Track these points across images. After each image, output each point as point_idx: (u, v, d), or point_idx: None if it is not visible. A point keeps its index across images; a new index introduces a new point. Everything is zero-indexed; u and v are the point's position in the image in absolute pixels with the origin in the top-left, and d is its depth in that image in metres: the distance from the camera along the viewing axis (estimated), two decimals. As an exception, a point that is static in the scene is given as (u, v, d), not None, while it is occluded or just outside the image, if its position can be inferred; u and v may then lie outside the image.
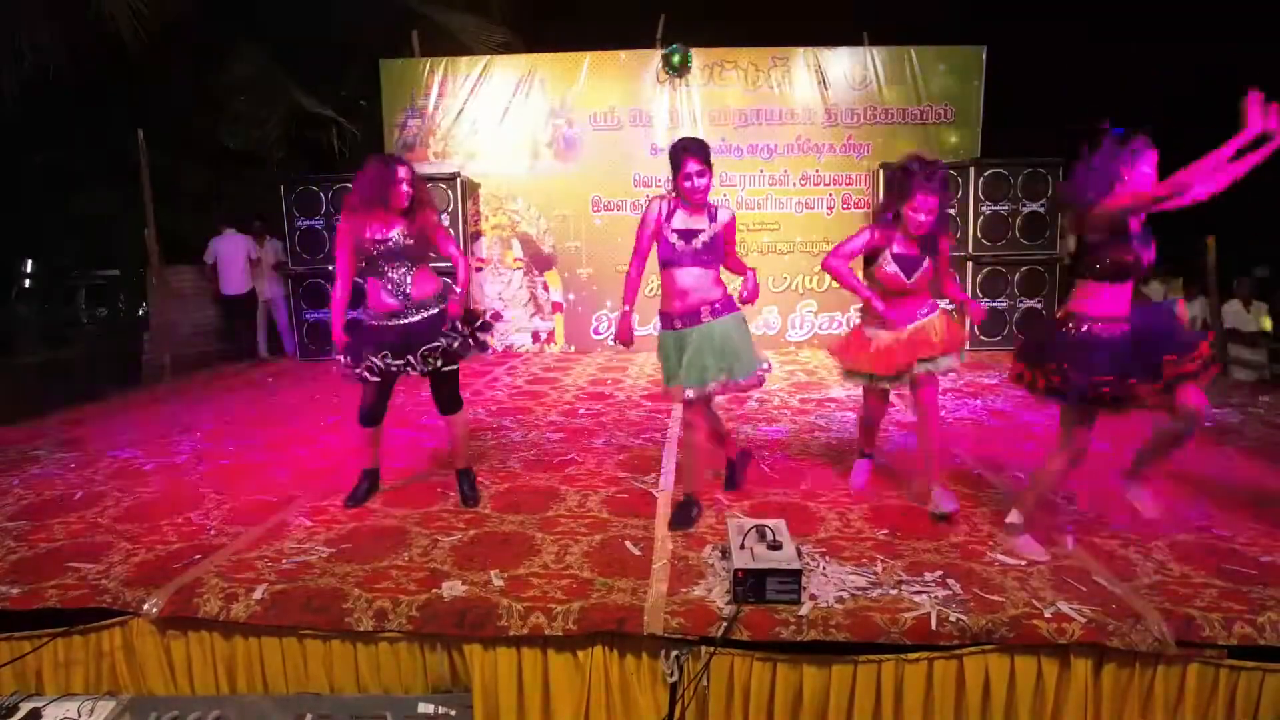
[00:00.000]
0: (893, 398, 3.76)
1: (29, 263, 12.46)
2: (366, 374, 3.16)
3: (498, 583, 2.58)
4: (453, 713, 2.34)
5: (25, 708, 2.04)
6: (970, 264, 7.51)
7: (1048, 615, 2.33)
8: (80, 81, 8.22)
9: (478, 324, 3.33)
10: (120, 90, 8.69)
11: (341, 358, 3.22)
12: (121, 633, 2.51)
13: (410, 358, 3.15)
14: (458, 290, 3.23)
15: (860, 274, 3.24)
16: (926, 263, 3.13)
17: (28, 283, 12.64)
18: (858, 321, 3.42)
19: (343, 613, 2.45)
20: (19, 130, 8.94)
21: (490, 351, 3.44)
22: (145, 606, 2.49)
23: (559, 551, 2.85)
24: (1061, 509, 3.21)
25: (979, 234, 7.49)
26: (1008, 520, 2.87)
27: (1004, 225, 7.48)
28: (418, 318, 3.17)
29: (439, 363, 3.21)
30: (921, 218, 3.03)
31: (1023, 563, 2.70)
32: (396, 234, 3.14)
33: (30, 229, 10.29)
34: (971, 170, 7.43)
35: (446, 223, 7.51)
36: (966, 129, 7.85)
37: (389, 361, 3.14)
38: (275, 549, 2.88)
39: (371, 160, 3.16)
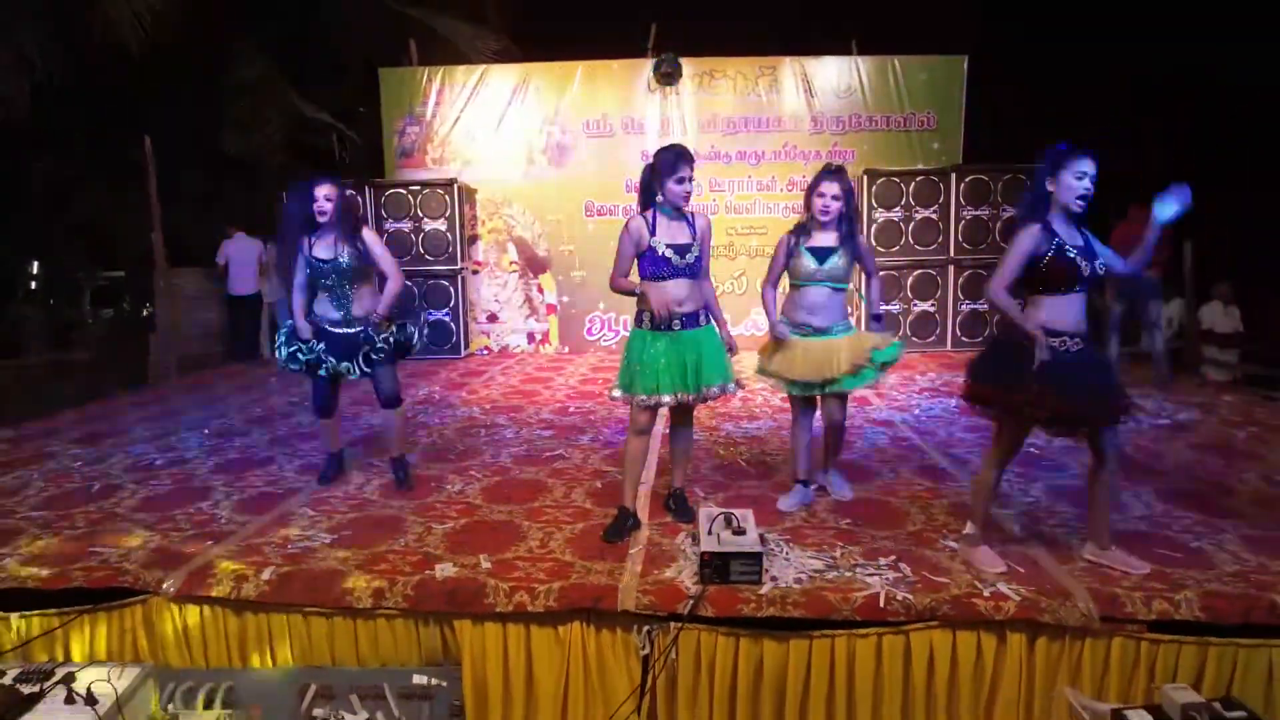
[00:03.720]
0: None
1: (36, 265, 12.71)
2: (290, 364, 3.61)
3: (486, 565, 2.81)
4: (444, 683, 2.59)
5: (60, 672, 2.27)
6: (951, 267, 7.74)
7: (987, 594, 2.56)
8: (86, 88, 8.46)
9: (396, 326, 3.65)
10: (124, 96, 8.92)
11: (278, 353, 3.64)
12: (142, 610, 2.75)
13: (348, 362, 3.56)
14: (380, 312, 3.56)
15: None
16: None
17: (34, 284, 12.88)
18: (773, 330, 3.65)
19: (343, 592, 2.68)
20: (27, 135, 9.18)
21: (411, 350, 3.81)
22: (164, 586, 2.72)
23: (543, 538, 3.08)
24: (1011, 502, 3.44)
25: (960, 238, 7.72)
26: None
27: (984, 229, 7.70)
28: (355, 330, 3.56)
29: (373, 366, 3.59)
30: (825, 202, 3.37)
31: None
32: (342, 256, 3.50)
33: (37, 232, 10.54)
34: (953, 176, 7.65)
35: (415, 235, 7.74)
36: (949, 135, 8.08)
37: (327, 359, 3.55)
38: (281, 535, 3.12)
39: (298, 183, 3.58)
